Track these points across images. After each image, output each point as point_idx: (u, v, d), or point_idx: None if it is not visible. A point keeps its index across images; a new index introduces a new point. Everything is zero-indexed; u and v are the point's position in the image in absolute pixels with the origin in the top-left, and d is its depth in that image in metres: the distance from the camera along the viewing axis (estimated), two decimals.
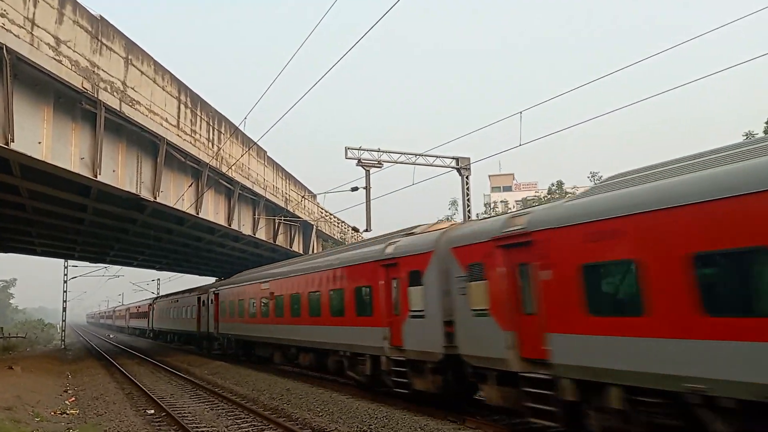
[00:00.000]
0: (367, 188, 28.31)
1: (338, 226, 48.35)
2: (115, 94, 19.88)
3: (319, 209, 43.22)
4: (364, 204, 28.57)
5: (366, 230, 29.59)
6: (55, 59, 17.09)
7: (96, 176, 20.32)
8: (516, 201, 57.50)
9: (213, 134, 27.94)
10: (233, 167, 28.90)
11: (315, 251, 42.34)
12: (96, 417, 15.34)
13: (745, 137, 28.14)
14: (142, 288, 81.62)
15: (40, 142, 17.96)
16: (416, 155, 27.88)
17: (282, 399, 16.48)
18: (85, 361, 35.02)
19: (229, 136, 29.02)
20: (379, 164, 28.13)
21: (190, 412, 15.51)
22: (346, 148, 27.74)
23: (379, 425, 12.20)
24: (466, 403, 13.64)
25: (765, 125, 27.18)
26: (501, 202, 61.77)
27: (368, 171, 28.16)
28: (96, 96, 18.89)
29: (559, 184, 44.32)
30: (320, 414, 14.04)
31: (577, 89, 14.56)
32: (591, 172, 44.15)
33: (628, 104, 15.10)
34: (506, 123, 17.49)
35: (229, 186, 30.29)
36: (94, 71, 18.85)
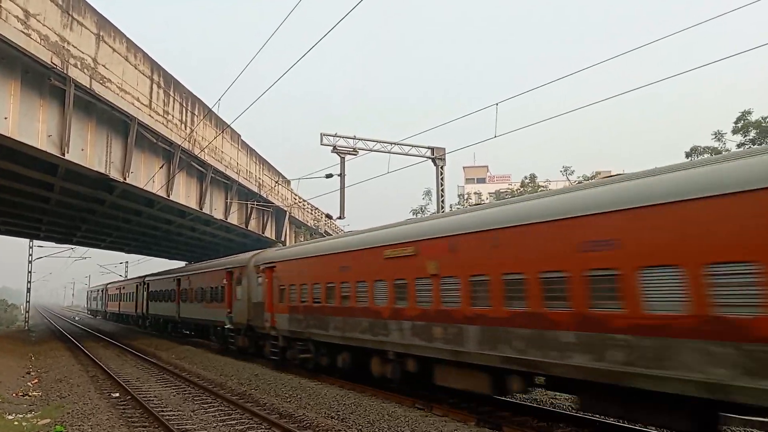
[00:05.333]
0: (342, 175, 28.24)
1: (312, 213, 48.14)
2: (85, 71, 19.39)
3: (293, 195, 42.96)
4: (339, 191, 28.53)
5: (339, 217, 29.60)
6: (23, 33, 16.57)
7: (64, 154, 19.82)
8: (489, 193, 57.84)
9: (186, 116, 27.47)
10: (206, 150, 28.50)
11: (288, 238, 42.12)
12: (59, 399, 15.09)
13: (713, 136, 28.72)
14: (110, 270, 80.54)
15: (6, 118, 17.43)
16: (392, 144, 27.88)
17: (250, 384, 16.40)
18: (49, 343, 34.38)
19: (202, 118, 28.58)
20: (354, 152, 28.08)
21: (155, 396, 15.34)
22: (322, 134, 27.61)
23: (347, 411, 12.22)
24: None
25: (733, 125, 27.76)
26: (475, 193, 62.16)
27: (343, 158, 28.09)
28: (65, 72, 18.39)
29: (532, 177, 44.79)
30: (288, 400, 14.01)
31: (553, 83, 14.66)
32: (563, 167, 44.82)
33: (599, 100, 15.25)
34: (482, 114, 17.53)
35: (201, 169, 29.87)
36: (64, 46, 18.34)
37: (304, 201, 45.56)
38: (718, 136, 28.41)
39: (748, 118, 27.09)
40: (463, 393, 12.50)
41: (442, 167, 29.09)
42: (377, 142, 28.22)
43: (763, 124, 26.23)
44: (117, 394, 15.74)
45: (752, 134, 26.81)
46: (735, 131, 27.49)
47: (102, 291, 72.40)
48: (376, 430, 10.80)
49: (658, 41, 11.31)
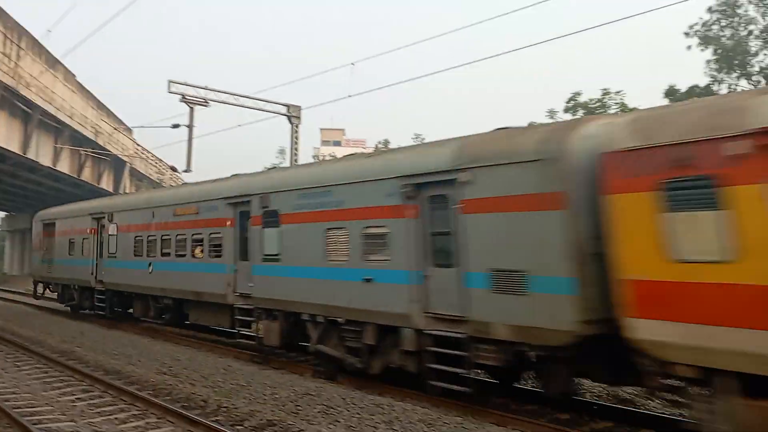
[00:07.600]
0: (190, 126, 26.86)
1: (156, 165, 45.43)
2: None
3: (135, 145, 40.14)
4: (186, 142, 27.12)
5: (186, 170, 28.21)
6: None
7: None
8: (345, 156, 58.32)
9: (10, 48, 24.41)
10: (33, 89, 25.60)
11: (127, 190, 39.41)
12: None
13: (547, 114, 31.08)
14: None
15: None
16: (245, 97, 26.95)
17: (74, 342, 15.23)
18: None
19: (30, 53, 25.57)
20: (205, 103, 26.76)
21: None
22: (170, 81, 25.95)
23: (180, 367, 11.81)
24: None
25: (565, 104, 30.20)
26: (329, 155, 62.35)
27: (192, 108, 26.68)
28: None
29: (386, 142, 45.81)
30: (116, 357, 13.20)
31: (412, 45, 14.86)
32: (415, 134, 46.39)
33: (453, 66, 15.80)
34: (339, 73, 17.39)
35: (26, 109, 26.82)
36: None
37: (148, 152, 42.81)
38: (552, 114, 30.89)
39: (577, 99, 29.68)
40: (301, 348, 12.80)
41: (297, 126, 28.67)
42: (230, 94, 27.12)
43: (590, 105, 28.91)
44: None
45: (580, 114, 29.36)
46: (566, 110, 29.98)
47: None
48: (211, 383, 10.52)
49: None
